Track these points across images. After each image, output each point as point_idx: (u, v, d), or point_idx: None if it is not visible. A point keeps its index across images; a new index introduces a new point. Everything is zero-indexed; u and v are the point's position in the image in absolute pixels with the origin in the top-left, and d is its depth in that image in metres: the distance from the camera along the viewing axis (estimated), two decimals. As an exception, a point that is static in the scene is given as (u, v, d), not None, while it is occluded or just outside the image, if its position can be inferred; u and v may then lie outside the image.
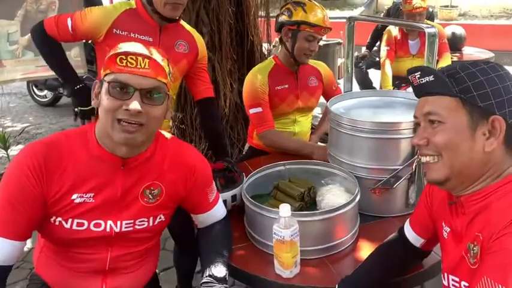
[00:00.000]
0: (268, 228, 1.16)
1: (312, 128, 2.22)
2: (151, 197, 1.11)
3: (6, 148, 3.16)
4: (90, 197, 1.05)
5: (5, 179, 1.01)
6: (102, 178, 1.06)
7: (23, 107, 5.56)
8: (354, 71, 1.89)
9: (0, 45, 2.68)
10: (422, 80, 0.88)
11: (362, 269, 1.10)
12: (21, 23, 2.73)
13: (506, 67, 0.88)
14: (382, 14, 5.13)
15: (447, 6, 9.16)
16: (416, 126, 0.93)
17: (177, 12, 1.53)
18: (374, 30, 4.43)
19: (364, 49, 4.53)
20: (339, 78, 4.58)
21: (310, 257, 1.21)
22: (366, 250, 1.23)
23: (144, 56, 1.00)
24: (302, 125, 2.09)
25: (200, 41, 1.70)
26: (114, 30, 1.51)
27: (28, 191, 1.00)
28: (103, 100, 1.01)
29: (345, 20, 1.78)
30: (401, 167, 1.36)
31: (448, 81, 0.84)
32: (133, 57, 0.99)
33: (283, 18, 1.90)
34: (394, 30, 3.42)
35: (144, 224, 1.12)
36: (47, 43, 1.56)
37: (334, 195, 1.33)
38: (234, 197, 1.39)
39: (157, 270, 1.33)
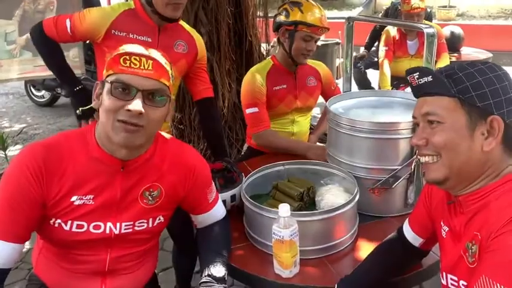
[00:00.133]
0: (268, 228, 1.16)
1: (310, 128, 2.22)
2: (150, 199, 1.11)
3: (4, 149, 3.15)
4: (89, 199, 1.05)
5: (4, 181, 1.01)
6: (101, 180, 1.06)
7: (20, 107, 5.55)
8: (352, 71, 1.90)
9: (-2, 44, 2.68)
10: (420, 81, 0.88)
11: (361, 268, 1.11)
12: (19, 22, 2.73)
13: (505, 67, 0.89)
14: (381, 14, 5.13)
15: (445, 6, 9.18)
16: (415, 126, 0.94)
17: (178, 12, 1.53)
18: (372, 30, 4.44)
19: (362, 49, 4.54)
20: (337, 79, 4.59)
21: (310, 257, 1.21)
22: (365, 250, 1.23)
23: (148, 57, 0.99)
24: (301, 125, 2.09)
25: (199, 41, 1.70)
26: (113, 31, 1.51)
27: (27, 193, 0.99)
28: (104, 101, 1.01)
29: (343, 20, 1.78)
30: (400, 167, 1.36)
31: (447, 82, 0.84)
32: (137, 58, 0.99)
33: (281, 18, 1.90)
34: (392, 31, 3.43)
35: (143, 226, 1.12)
36: (46, 44, 1.57)
37: (333, 195, 1.33)
38: (233, 197, 1.39)
39: (156, 271, 1.33)
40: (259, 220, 1.24)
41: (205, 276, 1.09)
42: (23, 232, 1.01)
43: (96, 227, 1.07)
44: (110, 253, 1.11)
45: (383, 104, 1.61)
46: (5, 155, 3.14)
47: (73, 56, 2.83)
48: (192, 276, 1.90)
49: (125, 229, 1.10)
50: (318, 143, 2.23)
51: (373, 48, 4.45)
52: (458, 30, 4.24)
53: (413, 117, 0.92)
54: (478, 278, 0.76)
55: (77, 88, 1.60)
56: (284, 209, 1.10)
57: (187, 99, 2.96)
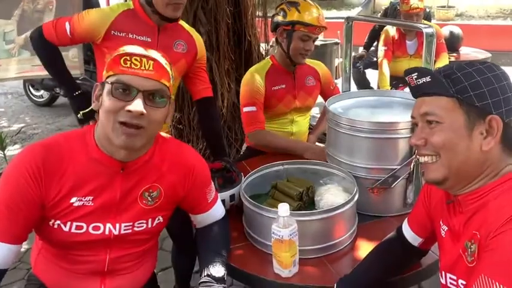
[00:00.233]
0: (267, 227, 1.16)
1: (309, 128, 2.22)
2: (150, 200, 1.11)
3: (3, 148, 3.14)
4: (89, 200, 1.05)
5: (2, 181, 1.00)
6: (101, 181, 1.05)
7: (19, 107, 5.54)
8: (351, 71, 1.90)
9: (-4, 44, 2.68)
10: (419, 81, 0.88)
11: (360, 268, 1.11)
12: (17, 22, 2.73)
13: (503, 67, 0.89)
14: (380, 14, 5.14)
15: (444, 6, 9.20)
16: (414, 126, 0.94)
17: (179, 12, 1.54)
18: (371, 30, 4.44)
19: (361, 49, 4.54)
20: (336, 78, 4.59)
21: (309, 256, 1.21)
22: (364, 249, 1.23)
23: (148, 58, 0.99)
24: (300, 125, 2.09)
25: (199, 41, 1.70)
26: (113, 31, 1.51)
27: (26, 194, 0.99)
28: (105, 102, 1.00)
29: (342, 20, 1.78)
30: (399, 167, 1.36)
31: (445, 82, 0.84)
32: (138, 59, 0.98)
33: (278, 18, 1.90)
34: (391, 30, 3.43)
35: (142, 226, 1.12)
36: (46, 48, 1.57)
37: (332, 195, 1.33)
38: (232, 197, 1.39)
39: (155, 270, 1.32)
40: (259, 220, 1.24)
41: (204, 276, 1.09)
42: (20, 233, 1.00)
43: (96, 228, 1.07)
44: (109, 253, 1.11)
45: (382, 103, 1.61)
46: (4, 154, 3.13)
47: (72, 56, 2.82)
48: (192, 276, 1.90)
49: (124, 230, 1.09)
50: (317, 143, 2.23)
51: (372, 48, 4.45)
52: (457, 30, 4.25)
53: (412, 117, 0.93)
54: (477, 277, 0.76)
55: (76, 93, 1.60)
56: (283, 208, 1.10)
57: (186, 99, 2.96)
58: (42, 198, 1.01)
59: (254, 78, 1.92)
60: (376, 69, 3.65)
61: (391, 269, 1.13)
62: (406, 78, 0.92)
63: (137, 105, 0.97)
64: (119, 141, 1.00)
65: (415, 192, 1.39)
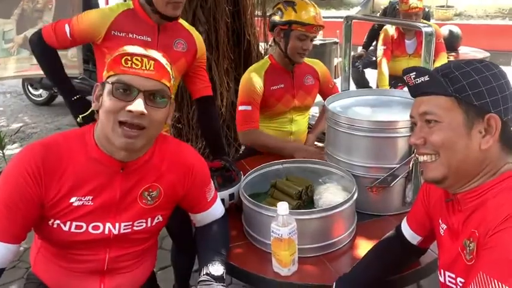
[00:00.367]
0: (266, 226, 1.16)
1: (309, 128, 2.22)
2: (149, 199, 1.11)
3: (2, 147, 3.14)
4: (88, 199, 1.04)
5: (2, 181, 1.00)
6: (101, 181, 1.05)
7: (18, 106, 5.54)
8: (350, 70, 1.90)
9: (-5, 43, 2.68)
10: (417, 80, 0.89)
11: (360, 266, 1.11)
12: (17, 21, 2.73)
13: (502, 67, 0.89)
14: (379, 13, 5.15)
15: (443, 6, 9.20)
16: (413, 125, 0.94)
17: (179, 10, 1.54)
18: (370, 29, 4.44)
19: (360, 49, 4.55)
20: (335, 78, 4.60)
21: (308, 255, 1.21)
22: (363, 248, 1.24)
23: (149, 58, 0.99)
24: (299, 124, 2.09)
25: (199, 39, 1.70)
26: (113, 31, 1.51)
27: (25, 193, 0.98)
28: (105, 102, 1.00)
29: (341, 20, 1.78)
30: (398, 166, 1.36)
31: (443, 81, 0.84)
32: (139, 59, 0.98)
33: (275, 18, 1.90)
34: (390, 30, 3.44)
35: (142, 225, 1.12)
36: (45, 53, 1.57)
37: (331, 194, 1.34)
38: (231, 196, 1.40)
39: (154, 269, 1.33)
40: (258, 218, 1.25)
41: (203, 274, 1.09)
42: (19, 233, 1.00)
43: (95, 228, 1.07)
44: (109, 253, 1.11)
45: (381, 102, 1.61)
46: (3, 153, 3.13)
47: (71, 55, 2.82)
48: (191, 275, 1.90)
49: (124, 229, 1.09)
50: (316, 143, 2.23)
51: (371, 48, 4.46)
52: (456, 30, 4.26)
53: (411, 116, 0.93)
54: (476, 274, 0.76)
55: (75, 98, 1.60)
56: (283, 207, 1.10)
57: (186, 98, 2.96)
58: (42, 198, 1.01)
59: (252, 77, 1.93)
60: (375, 68, 3.65)
61: (390, 268, 1.13)
62: (405, 78, 0.92)
63: (138, 105, 0.97)
64: (119, 142, 0.99)
65: (414, 191, 1.39)
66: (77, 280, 1.12)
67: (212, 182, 1.25)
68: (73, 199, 1.03)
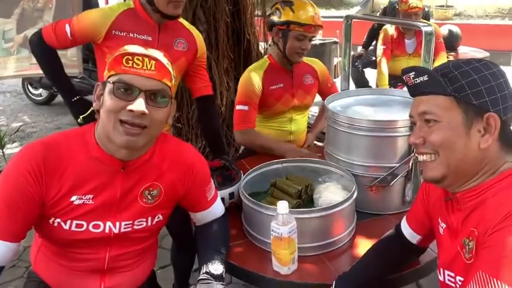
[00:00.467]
0: (266, 225, 1.16)
1: (308, 127, 2.22)
2: (150, 198, 1.11)
3: (1, 147, 3.15)
4: (89, 198, 1.05)
5: (2, 179, 1.00)
6: (101, 180, 1.05)
7: (18, 105, 5.54)
8: (350, 70, 1.90)
9: (-5, 43, 2.68)
10: (416, 80, 0.89)
11: (359, 265, 1.11)
12: (17, 21, 2.73)
13: (502, 67, 0.89)
14: (379, 13, 5.15)
15: (443, 6, 9.20)
16: (412, 125, 0.94)
17: (179, 9, 1.54)
18: (370, 29, 4.45)
19: (360, 48, 4.55)
20: (335, 77, 4.60)
21: (308, 254, 1.21)
22: (363, 247, 1.24)
23: (150, 58, 0.99)
24: (299, 124, 2.09)
25: (199, 38, 1.70)
26: (113, 31, 1.51)
27: (25, 192, 0.99)
28: (106, 101, 1.00)
29: (341, 20, 1.78)
30: (398, 165, 1.37)
31: (442, 81, 0.84)
32: (140, 58, 0.98)
33: (273, 18, 1.89)
34: (390, 29, 3.44)
35: (142, 224, 1.12)
36: (45, 53, 1.56)
37: (331, 193, 1.34)
38: (231, 195, 1.40)
39: (154, 268, 1.33)
40: (258, 217, 1.25)
41: (203, 273, 1.09)
42: (19, 231, 1.00)
43: (96, 226, 1.07)
44: (109, 251, 1.11)
45: (381, 102, 1.61)
46: (3, 153, 3.14)
47: (71, 55, 2.82)
48: (191, 274, 1.90)
49: (124, 228, 1.10)
50: (315, 142, 2.23)
51: (371, 47, 4.46)
52: (456, 29, 4.26)
53: (410, 116, 0.93)
54: (475, 273, 0.77)
55: (75, 99, 1.60)
56: (282, 206, 1.10)
57: (185, 97, 2.96)
58: (42, 197, 1.01)
59: (251, 77, 1.93)
60: (375, 68, 3.65)
61: (390, 267, 1.13)
62: (404, 78, 0.92)
63: (139, 104, 0.97)
64: (120, 140, 0.99)
65: (414, 190, 1.40)
66: (77, 279, 1.13)
67: (212, 181, 1.25)
68: (74, 198, 1.03)
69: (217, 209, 1.26)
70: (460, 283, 0.88)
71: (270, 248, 1.16)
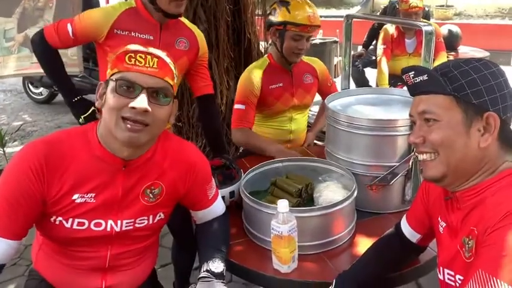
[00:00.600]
0: (266, 223, 1.16)
1: (308, 126, 2.22)
2: (151, 196, 1.12)
3: (2, 145, 3.15)
4: (91, 197, 1.05)
5: (4, 177, 1.00)
6: (103, 178, 1.06)
7: (18, 104, 5.54)
8: (350, 69, 1.90)
9: (-4, 42, 2.69)
10: (416, 80, 0.89)
11: (359, 264, 1.12)
12: (18, 20, 2.74)
13: (502, 66, 0.90)
14: (379, 12, 5.15)
15: (443, 5, 9.20)
16: (412, 124, 0.95)
17: (181, 8, 1.54)
18: (370, 29, 4.45)
19: (360, 48, 4.55)
20: (335, 77, 4.60)
21: (308, 252, 1.22)
22: (362, 246, 1.24)
23: (153, 55, 1.00)
24: (298, 123, 2.09)
25: (201, 37, 1.70)
26: (115, 30, 1.52)
27: (27, 190, 0.99)
28: (108, 99, 1.00)
29: (341, 19, 1.78)
30: (398, 164, 1.37)
31: (442, 80, 0.85)
32: (142, 56, 0.99)
33: (271, 18, 1.89)
34: (390, 29, 3.44)
35: (143, 223, 1.13)
36: (46, 53, 1.57)
37: (331, 192, 1.34)
38: (232, 193, 1.40)
39: (155, 267, 1.33)
40: (258, 216, 1.25)
41: (203, 271, 1.10)
42: (20, 229, 1.01)
43: (97, 225, 1.07)
44: (111, 250, 1.12)
45: (381, 101, 1.62)
46: (3, 151, 3.14)
47: (71, 54, 2.82)
48: (191, 272, 1.91)
49: (126, 226, 1.10)
50: (315, 141, 2.24)
51: (371, 47, 4.46)
52: (456, 29, 4.26)
53: (410, 115, 0.93)
54: (474, 272, 0.77)
55: (76, 99, 1.60)
56: (283, 204, 1.10)
57: (186, 96, 2.97)
58: (44, 195, 1.01)
59: (250, 77, 1.93)
60: (375, 67, 3.66)
61: (390, 265, 1.14)
62: (404, 77, 0.92)
63: (141, 101, 0.97)
64: (123, 136, 1.00)
65: (414, 189, 1.40)
66: (78, 277, 1.13)
67: (213, 180, 1.25)
68: (75, 196, 1.04)
69: (218, 207, 1.26)
70: (459, 282, 0.88)
71: (270, 246, 1.16)
